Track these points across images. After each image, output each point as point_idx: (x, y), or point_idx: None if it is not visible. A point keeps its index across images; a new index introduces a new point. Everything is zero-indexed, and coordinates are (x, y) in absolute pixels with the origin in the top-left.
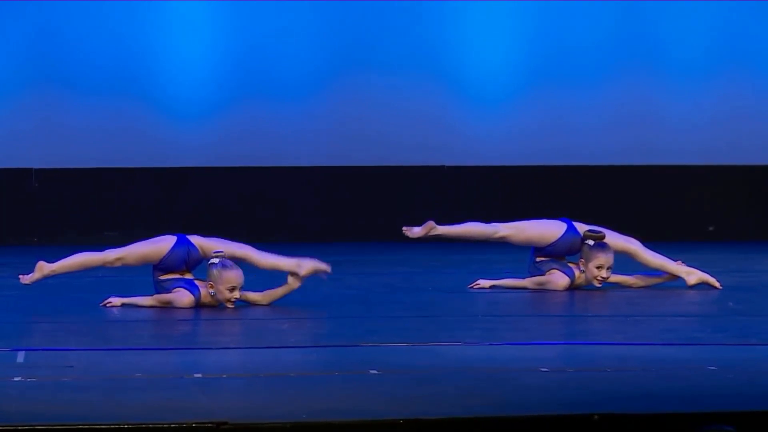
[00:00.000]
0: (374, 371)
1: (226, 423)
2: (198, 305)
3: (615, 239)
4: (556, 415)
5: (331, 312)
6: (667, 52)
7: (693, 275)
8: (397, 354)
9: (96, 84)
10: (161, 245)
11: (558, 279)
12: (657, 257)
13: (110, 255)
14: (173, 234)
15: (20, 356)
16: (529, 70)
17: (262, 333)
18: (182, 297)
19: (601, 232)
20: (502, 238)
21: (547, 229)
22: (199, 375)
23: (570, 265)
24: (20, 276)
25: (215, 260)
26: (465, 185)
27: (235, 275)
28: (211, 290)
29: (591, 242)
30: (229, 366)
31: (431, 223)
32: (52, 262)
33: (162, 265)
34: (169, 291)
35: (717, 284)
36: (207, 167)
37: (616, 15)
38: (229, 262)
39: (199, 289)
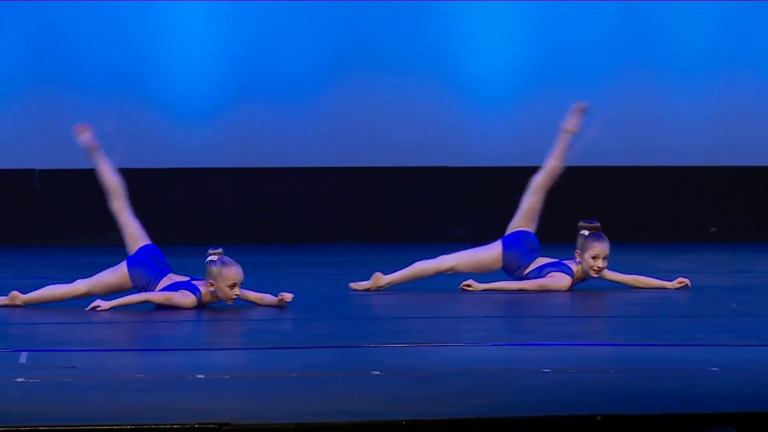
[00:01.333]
0: (376, 372)
1: (228, 424)
2: (200, 305)
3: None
4: (558, 416)
5: (333, 313)
6: (669, 52)
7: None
8: (399, 355)
9: (98, 84)
10: (119, 270)
11: (559, 281)
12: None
13: (79, 287)
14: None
15: (23, 357)
16: (531, 69)
17: (264, 334)
18: (185, 298)
19: (595, 222)
20: (450, 268)
21: (488, 253)
22: (202, 376)
23: (565, 262)
24: None
25: (213, 258)
26: (466, 186)
27: (235, 272)
28: (211, 288)
29: (586, 232)
30: (231, 367)
31: (378, 275)
32: (26, 293)
33: (141, 285)
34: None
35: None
36: (208, 168)
37: (618, 14)
38: (228, 259)
39: (199, 290)
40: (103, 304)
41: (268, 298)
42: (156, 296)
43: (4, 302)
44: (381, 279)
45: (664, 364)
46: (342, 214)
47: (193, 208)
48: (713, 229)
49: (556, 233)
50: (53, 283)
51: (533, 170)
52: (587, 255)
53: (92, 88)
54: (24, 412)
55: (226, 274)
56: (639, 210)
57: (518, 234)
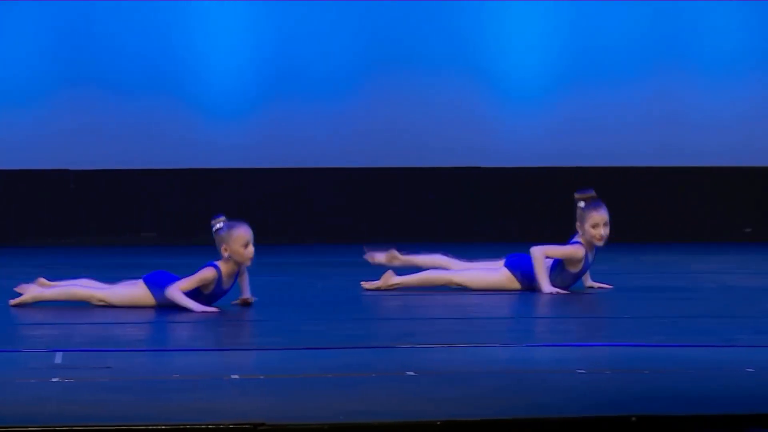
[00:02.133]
0: (411, 372)
1: (263, 424)
2: (223, 277)
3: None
4: (593, 417)
5: (367, 313)
6: (702, 51)
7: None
8: (433, 355)
9: (131, 84)
10: (139, 286)
11: (573, 248)
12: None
13: (97, 297)
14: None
15: (58, 357)
16: (563, 68)
17: (299, 334)
18: (205, 272)
19: (590, 191)
20: (460, 285)
21: (499, 275)
22: (237, 376)
23: (572, 242)
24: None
25: (219, 225)
26: (499, 186)
27: (244, 230)
28: (226, 254)
29: (582, 203)
30: (266, 367)
31: (389, 273)
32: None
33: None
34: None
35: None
36: (240, 168)
37: (650, 14)
38: (233, 222)
39: (216, 264)
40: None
41: (247, 293)
42: (187, 284)
43: (28, 291)
44: (391, 278)
45: (699, 365)
46: (373, 215)
47: (226, 209)
48: (748, 230)
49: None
50: (82, 281)
51: (566, 171)
52: (587, 225)
53: (126, 89)
54: (59, 412)
55: (237, 235)
56: (673, 211)
57: (518, 254)
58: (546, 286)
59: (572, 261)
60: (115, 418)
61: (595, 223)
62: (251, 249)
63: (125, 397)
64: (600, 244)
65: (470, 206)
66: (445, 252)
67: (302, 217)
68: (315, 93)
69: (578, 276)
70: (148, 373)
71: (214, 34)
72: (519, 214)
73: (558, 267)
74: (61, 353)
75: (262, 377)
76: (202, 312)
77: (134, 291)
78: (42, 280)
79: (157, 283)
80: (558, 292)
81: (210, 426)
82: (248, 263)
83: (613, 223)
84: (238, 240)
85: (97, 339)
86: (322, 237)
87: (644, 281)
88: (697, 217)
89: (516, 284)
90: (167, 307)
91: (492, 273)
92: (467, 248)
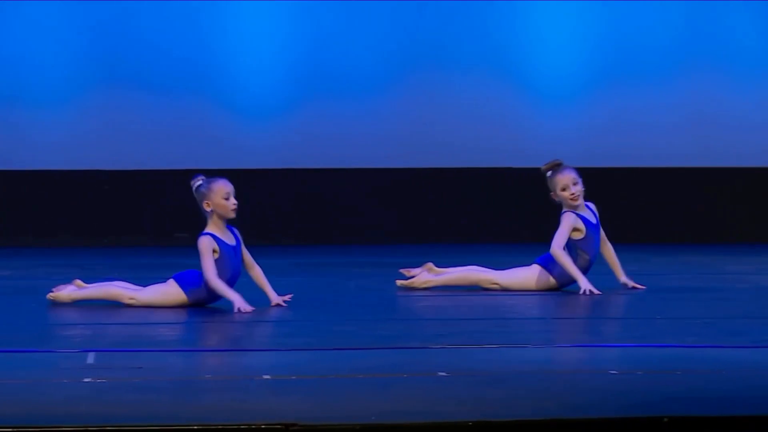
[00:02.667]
0: (443, 373)
1: (295, 425)
2: (220, 236)
3: None
4: (625, 418)
5: (399, 314)
6: (737, 51)
7: None
8: (465, 356)
9: (164, 84)
10: (173, 286)
11: (564, 219)
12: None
13: (128, 297)
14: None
15: (90, 357)
16: (597, 68)
17: (331, 334)
18: (204, 242)
19: (554, 160)
20: (502, 288)
21: (536, 276)
22: (268, 376)
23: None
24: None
25: (198, 181)
26: (530, 187)
27: (222, 183)
28: (209, 209)
29: (549, 173)
30: (298, 367)
31: (430, 265)
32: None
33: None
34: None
35: None
36: (274, 169)
37: (684, 13)
38: (213, 178)
39: (207, 231)
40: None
41: (273, 295)
42: (209, 267)
43: (64, 296)
44: (427, 276)
45: (731, 366)
46: (406, 215)
47: (261, 210)
48: None
49: (622, 234)
50: (115, 282)
51: (597, 171)
52: (559, 191)
53: (160, 89)
54: (92, 412)
55: (217, 188)
56: (705, 212)
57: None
58: (582, 281)
59: (575, 230)
60: (147, 419)
61: (564, 185)
62: (233, 200)
63: (157, 397)
64: (576, 203)
65: (503, 207)
66: (481, 264)
67: (334, 218)
68: (349, 93)
69: (592, 245)
70: (180, 374)
71: (248, 34)
72: (551, 215)
73: (572, 250)
74: (93, 353)
75: (294, 378)
76: (238, 309)
77: (166, 289)
78: (78, 281)
79: (188, 282)
80: (592, 291)
81: (242, 426)
82: (231, 215)
83: (647, 224)
84: (219, 192)
85: (128, 339)
86: (354, 237)
87: (677, 282)
88: (731, 218)
89: (552, 283)
90: (198, 307)
91: (527, 272)
92: (501, 249)
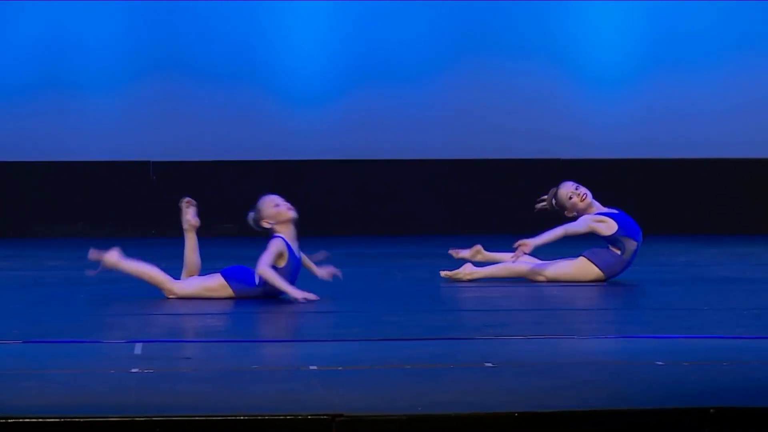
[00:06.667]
0: (489, 364)
1: (341, 415)
2: (290, 243)
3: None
4: (671, 409)
5: (446, 304)
6: None
7: None
8: (512, 347)
9: (211, 74)
10: (217, 279)
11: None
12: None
13: (171, 284)
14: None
15: (138, 348)
16: (646, 55)
17: (378, 325)
18: (276, 242)
19: (541, 197)
20: (548, 280)
21: (584, 268)
22: (315, 367)
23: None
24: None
25: (249, 217)
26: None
27: (266, 198)
28: (269, 225)
29: (552, 200)
30: (344, 358)
31: (478, 247)
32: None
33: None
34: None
35: None
36: (322, 160)
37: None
38: (265, 195)
39: (279, 235)
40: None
41: (318, 270)
42: (268, 259)
43: (105, 259)
44: (471, 269)
45: None
46: (458, 206)
47: (309, 202)
48: None
49: (673, 225)
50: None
51: (648, 162)
52: (569, 204)
53: (207, 78)
54: (139, 403)
55: (264, 205)
56: (757, 202)
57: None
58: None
59: (598, 232)
60: (194, 409)
61: (569, 197)
62: (284, 203)
63: (204, 387)
64: (584, 203)
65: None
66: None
67: (382, 208)
68: (398, 80)
69: (630, 230)
70: (227, 364)
71: (298, 23)
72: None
73: (618, 242)
74: (140, 344)
75: (340, 368)
76: (303, 298)
77: (212, 283)
78: (118, 249)
79: (236, 278)
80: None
81: (288, 416)
82: (291, 214)
83: (697, 214)
84: (267, 205)
85: (175, 330)
86: (403, 228)
87: (725, 272)
88: None
89: (598, 274)
90: (245, 299)
91: (574, 264)
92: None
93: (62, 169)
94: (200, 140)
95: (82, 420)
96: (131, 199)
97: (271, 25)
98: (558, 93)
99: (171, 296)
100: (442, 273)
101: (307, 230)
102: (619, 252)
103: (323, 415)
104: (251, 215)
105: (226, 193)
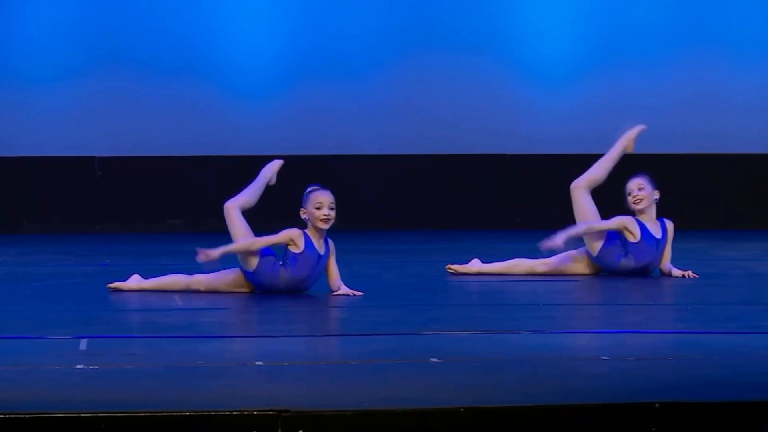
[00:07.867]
0: (435, 359)
1: (287, 411)
2: (312, 239)
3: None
4: (616, 404)
5: (393, 300)
6: (737, 30)
7: None
8: (457, 342)
9: (157, 68)
10: (237, 273)
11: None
12: None
13: (199, 281)
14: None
15: (83, 344)
16: (592, 49)
17: (324, 321)
18: (290, 230)
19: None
20: (543, 274)
21: (571, 264)
22: (261, 363)
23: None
24: None
25: (308, 190)
26: (527, 174)
27: (321, 193)
28: (304, 216)
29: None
30: (290, 354)
31: (476, 261)
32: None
33: (264, 282)
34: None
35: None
36: (268, 155)
37: None
38: (322, 189)
39: (304, 230)
40: (212, 253)
41: (343, 288)
42: (262, 240)
43: (127, 286)
44: (477, 265)
45: (723, 352)
46: (401, 202)
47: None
48: None
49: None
50: (175, 272)
51: (589, 157)
52: (628, 199)
53: (152, 72)
54: (84, 398)
55: (312, 198)
56: (701, 198)
57: None
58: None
59: (629, 233)
60: (139, 405)
61: (628, 192)
62: (325, 211)
63: (150, 383)
64: (638, 206)
65: (500, 193)
66: (526, 256)
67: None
68: (341, 75)
69: (643, 255)
70: (173, 360)
71: (245, 17)
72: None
73: (623, 248)
74: (85, 340)
75: (286, 364)
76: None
77: (233, 278)
78: (136, 276)
79: (254, 271)
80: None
81: (234, 412)
82: (320, 225)
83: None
84: (312, 201)
85: (121, 325)
86: (347, 223)
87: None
88: (726, 204)
89: (589, 267)
90: (265, 294)
91: (568, 257)
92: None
93: (5, 164)
94: (146, 135)
95: (27, 416)
96: (76, 195)
97: (217, 19)
98: (504, 88)
99: (196, 288)
100: (448, 267)
101: (252, 225)
102: (623, 254)
103: (269, 410)
104: (305, 193)
105: (172, 189)
